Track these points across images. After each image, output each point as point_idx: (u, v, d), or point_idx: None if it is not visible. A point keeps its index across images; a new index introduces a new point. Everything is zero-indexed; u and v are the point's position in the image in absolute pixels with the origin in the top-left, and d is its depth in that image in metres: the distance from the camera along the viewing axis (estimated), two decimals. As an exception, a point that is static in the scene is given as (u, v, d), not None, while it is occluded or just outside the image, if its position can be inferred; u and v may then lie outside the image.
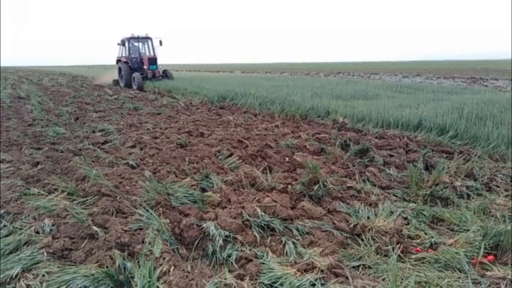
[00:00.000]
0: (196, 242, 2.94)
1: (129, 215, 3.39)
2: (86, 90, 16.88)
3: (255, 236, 3.03)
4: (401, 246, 2.85)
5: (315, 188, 3.84)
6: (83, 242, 2.87)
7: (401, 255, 2.77)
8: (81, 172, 4.42)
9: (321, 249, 2.86)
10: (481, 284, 2.39)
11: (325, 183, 3.92)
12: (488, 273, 2.53)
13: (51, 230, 3.06)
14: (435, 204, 3.71)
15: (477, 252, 2.73)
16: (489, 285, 2.37)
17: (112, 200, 3.67)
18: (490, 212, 3.52)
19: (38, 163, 5.00)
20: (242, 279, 2.52)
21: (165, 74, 19.55)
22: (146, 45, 19.82)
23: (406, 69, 42.31)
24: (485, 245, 2.78)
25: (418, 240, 3.02)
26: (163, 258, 2.62)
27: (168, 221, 3.19)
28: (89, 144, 6.15)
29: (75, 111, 10.16)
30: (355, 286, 2.38)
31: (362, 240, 2.99)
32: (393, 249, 2.79)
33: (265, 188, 4.04)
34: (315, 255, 2.76)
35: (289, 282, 2.45)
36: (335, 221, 3.30)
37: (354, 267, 2.68)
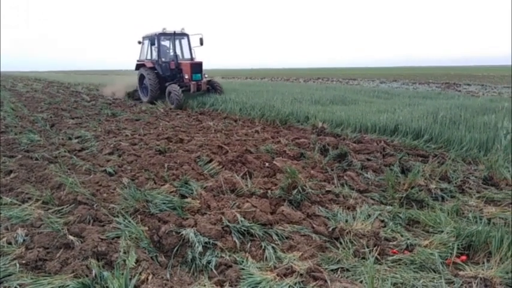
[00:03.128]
0: (175, 249, 2.91)
1: (107, 223, 3.33)
2: (62, 96, 16.50)
3: (234, 241, 3.03)
4: (379, 248, 2.91)
5: (294, 192, 3.87)
6: (58, 252, 2.80)
7: (378, 257, 2.83)
8: (57, 180, 4.31)
9: (300, 253, 2.89)
10: (454, 284, 2.46)
11: (304, 187, 3.96)
12: (461, 272, 2.61)
13: (24, 240, 2.97)
14: (411, 206, 3.80)
15: (451, 253, 2.81)
16: (462, 285, 2.45)
17: (89, 208, 3.59)
18: (463, 213, 3.64)
19: (11, 171, 4.84)
20: (222, 286, 2.51)
21: (212, 86, 13.71)
22: (181, 45, 14.35)
23: (383, 74, 43.29)
24: (458, 245, 2.87)
25: (394, 242, 3.08)
26: (142, 267, 2.59)
27: (147, 228, 3.16)
28: (65, 151, 6.00)
29: (50, 117, 9.92)
30: (334, 289, 2.41)
31: (340, 243, 3.03)
32: (370, 252, 2.84)
33: (245, 193, 4.05)
34: (294, 260, 2.78)
35: (269, 287, 2.46)
36: (314, 225, 3.33)
37: (332, 270, 2.71)
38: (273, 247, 2.98)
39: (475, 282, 2.41)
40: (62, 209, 3.64)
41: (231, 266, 2.70)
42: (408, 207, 3.80)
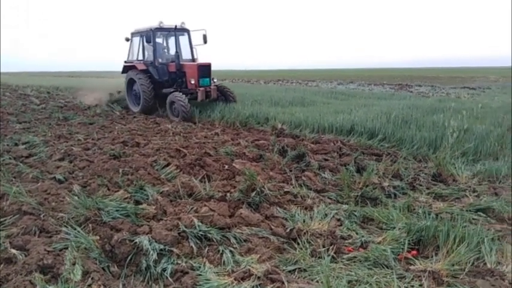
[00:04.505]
0: (129, 258, 2.80)
1: (55, 233, 3.14)
2: (8, 99, 15.46)
3: (191, 247, 2.96)
4: (335, 247, 2.96)
5: (253, 194, 3.86)
6: (-2, 268, 2.59)
7: (334, 256, 2.87)
8: (-1, 190, 4.02)
9: (258, 255, 2.88)
10: (405, 278, 2.55)
11: (263, 189, 3.95)
12: (412, 267, 2.72)
13: (-41, 257, 2.73)
14: (365, 204, 3.91)
15: (402, 248, 2.91)
16: (412, 279, 2.54)
17: (35, 218, 3.37)
18: (414, 209, 3.79)
19: None
20: (177, 294, 2.44)
21: (222, 93, 11.24)
22: (179, 43, 11.62)
23: (340, 76, 44.58)
24: (409, 240, 2.99)
25: (350, 240, 3.15)
26: (92, 278, 2.46)
27: (98, 237, 3.00)
28: (10, 158, 5.61)
29: (-6, 122, 9.26)
30: (291, 290, 2.42)
31: (298, 244, 3.05)
32: (327, 251, 2.88)
33: (203, 197, 3.98)
34: (252, 263, 2.77)
35: (226, 292, 2.42)
36: (272, 227, 3.33)
37: (290, 271, 2.73)
38: (230, 251, 2.95)
39: (424, 276, 2.51)
40: (5, 220, 3.38)
41: (187, 273, 2.63)
42: (363, 205, 3.90)
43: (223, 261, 2.83)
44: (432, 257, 2.83)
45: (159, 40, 11.62)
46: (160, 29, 11.06)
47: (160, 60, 11.24)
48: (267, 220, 3.51)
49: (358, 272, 2.62)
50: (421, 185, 4.51)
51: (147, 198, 3.90)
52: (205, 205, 3.65)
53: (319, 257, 2.85)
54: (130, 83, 11.63)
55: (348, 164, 5.09)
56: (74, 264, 2.54)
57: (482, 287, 2.39)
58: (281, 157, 5.57)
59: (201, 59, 11.58)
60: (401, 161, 5.27)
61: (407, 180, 4.62)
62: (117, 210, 3.49)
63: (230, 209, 3.67)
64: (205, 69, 10.77)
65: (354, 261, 2.80)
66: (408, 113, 8.59)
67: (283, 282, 2.49)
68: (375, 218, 3.53)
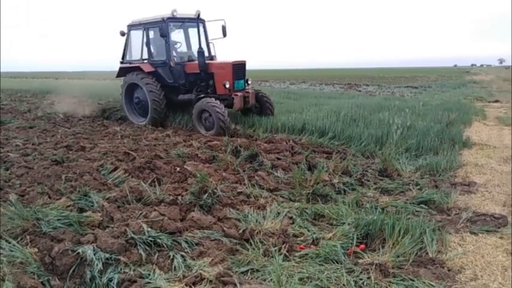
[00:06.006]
0: (71, 270, 2.62)
1: (-14, 249, 2.87)
2: None
3: (140, 254, 2.84)
4: (287, 245, 2.98)
5: (205, 196, 3.79)
6: None
7: (287, 254, 2.89)
8: None
9: (210, 259, 2.83)
10: (354, 272, 2.62)
11: (216, 191, 3.90)
12: (360, 261, 2.80)
13: None
14: (317, 201, 3.98)
15: (351, 243, 2.99)
16: (361, 272, 2.61)
17: (-37, 233, 3.06)
18: (362, 204, 3.92)
19: None
20: (124, 304, 2.33)
21: (260, 102, 9.07)
22: (197, 36, 9.29)
23: (293, 76, 45.44)
24: (357, 235, 3.08)
25: (301, 238, 3.19)
26: (29, 295, 2.28)
27: (37, 250, 2.79)
28: None
29: None
30: (243, 292, 2.39)
31: (250, 244, 3.03)
32: (279, 250, 2.89)
33: (153, 201, 3.84)
34: (204, 266, 2.71)
35: (177, 298, 2.34)
36: (225, 228, 3.29)
37: (242, 272, 2.70)
38: (182, 255, 2.86)
39: (371, 269, 2.59)
40: None
41: (135, 281, 2.51)
42: (314, 202, 3.97)
43: (174, 267, 2.74)
44: (379, 249, 2.94)
45: (178, 32, 9.52)
46: (174, 18, 8.67)
47: (176, 58, 9.00)
48: (220, 222, 3.46)
49: (310, 268, 2.65)
50: (368, 181, 4.68)
51: (92, 205, 3.69)
52: (155, 210, 3.52)
53: (271, 257, 2.85)
54: (130, 88, 9.29)
55: (300, 163, 5.17)
56: (3, 280, 2.34)
57: (424, 276, 2.51)
58: (234, 157, 5.53)
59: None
60: (350, 158, 5.45)
61: (356, 177, 4.78)
62: (58, 220, 3.26)
63: (181, 213, 3.58)
64: (240, 69, 8.62)
65: (306, 259, 2.83)
66: (356, 112, 8.91)
67: (235, 285, 2.45)
68: (325, 215, 3.60)
